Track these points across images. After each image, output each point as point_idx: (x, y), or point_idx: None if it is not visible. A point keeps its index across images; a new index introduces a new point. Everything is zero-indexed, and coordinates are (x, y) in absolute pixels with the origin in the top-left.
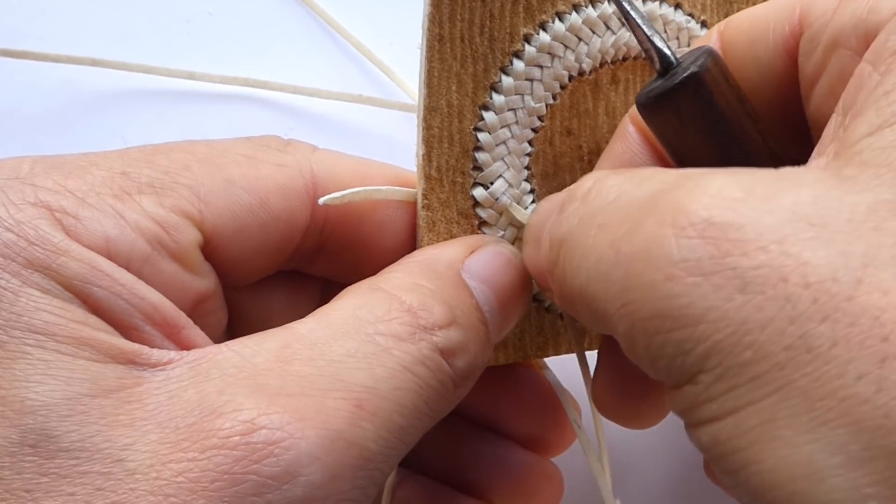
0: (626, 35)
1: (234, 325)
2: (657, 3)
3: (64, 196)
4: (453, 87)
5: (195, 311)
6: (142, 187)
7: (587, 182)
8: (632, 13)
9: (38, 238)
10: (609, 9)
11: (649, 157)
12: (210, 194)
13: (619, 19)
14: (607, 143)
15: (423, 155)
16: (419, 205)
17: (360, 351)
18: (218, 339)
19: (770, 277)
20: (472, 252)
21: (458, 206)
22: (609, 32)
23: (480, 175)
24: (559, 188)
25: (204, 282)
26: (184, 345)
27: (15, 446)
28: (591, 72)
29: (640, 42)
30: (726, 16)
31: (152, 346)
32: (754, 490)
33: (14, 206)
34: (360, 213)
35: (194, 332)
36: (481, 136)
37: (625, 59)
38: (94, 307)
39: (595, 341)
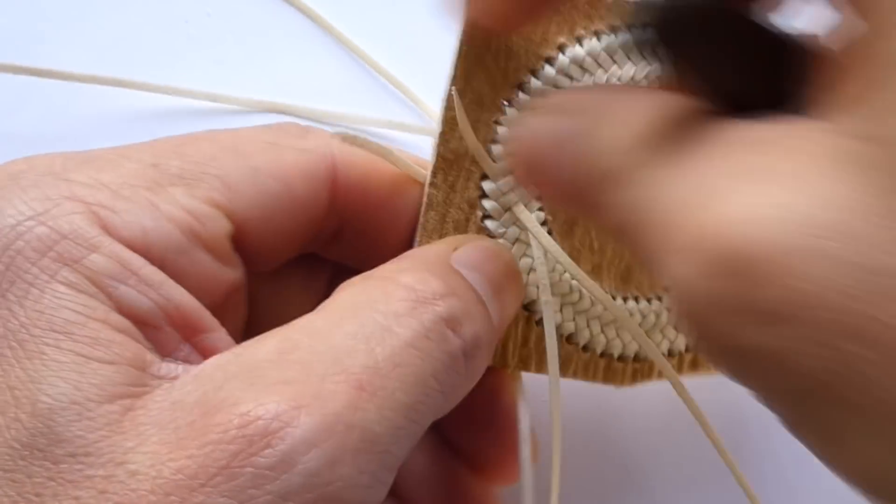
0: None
1: (253, 312)
2: None
3: (99, 190)
4: (482, 76)
5: (225, 303)
6: (172, 179)
7: None
8: None
9: (71, 232)
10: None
11: None
12: (238, 183)
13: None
14: None
15: (441, 134)
16: (427, 183)
17: (360, 333)
18: (240, 329)
19: None
20: (457, 247)
21: (465, 192)
22: (645, 62)
23: (493, 167)
24: None
25: (234, 272)
26: (202, 348)
27: (27, 449)
28: None
29: None
30: None
31: (170, 349)
32: None
33: (50, 200)
34: (378, 200)
35: (216, 335)
36: (500, 129)
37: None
38: (119, 304)
39: (580, 371)
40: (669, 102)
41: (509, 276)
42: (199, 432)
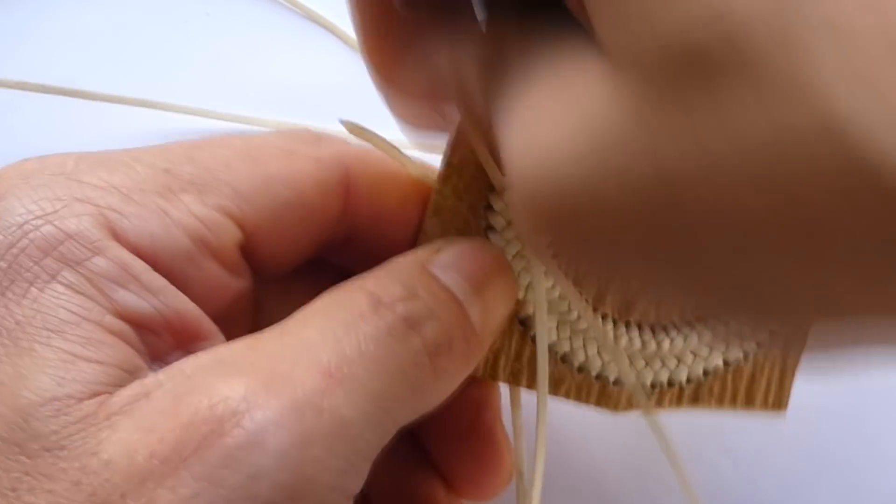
0: None
1: (259, 318)
2: None
3: (110, 192)
4: None
5: (231, 311)
6: (184, 185)
7: None
8: None
9: (77, 233)
10: None
11: None
12: (250, 191)
13: None
14: None
15: (451, 142)
16: (434, 189)
17: (328, 328)
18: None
19: None
20: (440, 250)
21: (470, 201)
22: None
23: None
24: None
25: (241, 281)
26: None
27: (6, 444)
28: None
29: None
30: None
31: (162, 354)
32: None
33: (59, 200)
34: (390, 209)
35: (214, 343)
36: None
37: None
38: (117, 308)
39: (572, 392)
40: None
41: (494, 273)
42: (169, 416)
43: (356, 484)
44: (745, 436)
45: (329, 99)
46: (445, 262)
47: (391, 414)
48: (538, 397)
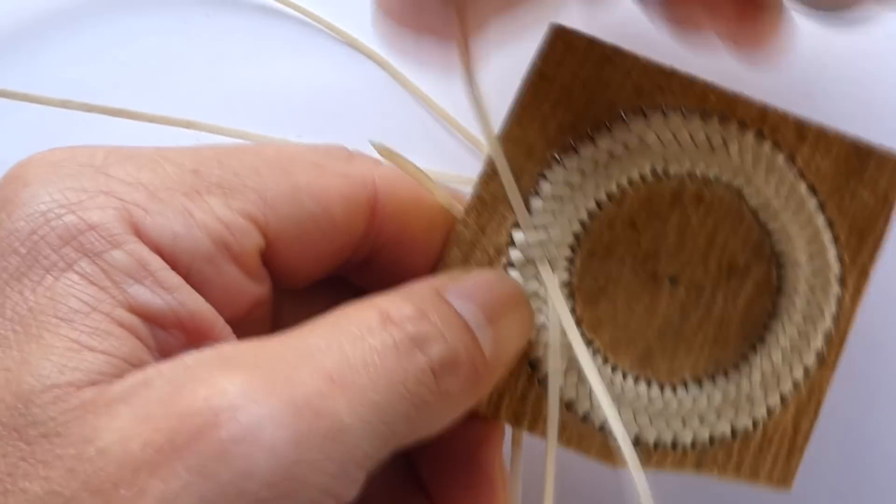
0: (725, 161)
1: (275, 329)
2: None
3: (136, 188)
4: (538, 126)
5: (248, 317)
6: (211, 187)
7: None
8: None
9: (98, 225)
10: (723, 132)
11: None
12: (276, 199)
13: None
14: (670, 254)
15: (483, 175)
16: (458, 220)
17: (334, 336)
18: None
19: None
20: (457, 279)
21: (495, 237)
22: (709, 150)
23: (526, 218)
24: (603, 272)
25: (260, 287)
26: None
27: (6, 429)
28: (675, 176)
29: None
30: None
31: (172, 352)
32: None
33: (85, 192)
34: (415, 233)
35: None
36: (544, 184)
37: (716, 180)
38: (130, 302)
39: (573, 441)
40: None
41: (509, 305)
42: (166, 407)
43: (349, 492)
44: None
45: (329, 102)
46: (461, 290)
47: (391, 427)
48: (547, 440)
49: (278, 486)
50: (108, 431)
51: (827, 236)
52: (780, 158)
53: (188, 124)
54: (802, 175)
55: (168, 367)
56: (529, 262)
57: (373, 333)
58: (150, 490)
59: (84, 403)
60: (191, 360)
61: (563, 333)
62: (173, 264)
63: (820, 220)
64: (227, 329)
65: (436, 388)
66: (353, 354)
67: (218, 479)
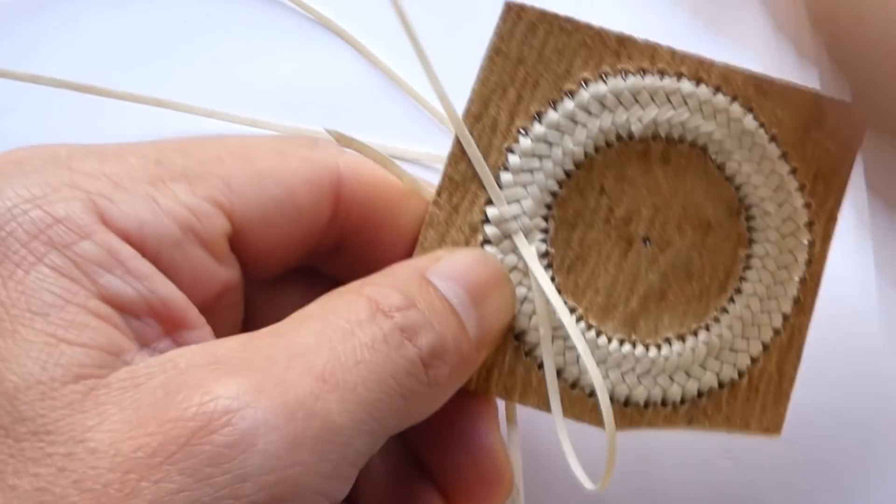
0: (685, 115)
1: (248, 321)
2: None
3: (100, 180)
4: (499, 101)
5: (218, 303)
6: (175, 175)
7: None
8: None
9: (65, 218)
10: (682, 86)
11: None
12: (240, 185)
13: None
14: (642, 216)
15: (452, 155)
16: (431, 201)
17: (323, 333)
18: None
19: None
20: (440, 259)
21: (468, 215)
22: (669, 106)
23: (498, 193)
24: (578, 240)
25: (229, 272)
26: (183, 343)
27: None
28: (641, 139)
29: None
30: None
31: (150, 341)
32: None
33: (49, 186)
34: (381, 216)
35: (199, 333)
36: (511, 157)
37: (681, 140)
38: (102, 292)
39: (566, 409)
40: None
41: (492, 285)
42: (159, 411)
43: (342, 490)
44: (746, 436)
45: (330, 100)
46: (445, 271)
47: (382, 423)
48: (552, 409)
49: (273, 489)
50: (100, 432)
51: (792, 184)
52: (740, 111)
53: (178, 107)
54: (763, 126)
55: (160, 369)
56: (506, 236)
57: (362, 327)
58: (141, 492)
59: (72, 402)
60: (182, 362)
61: (547, 303)
62: (142, 251)
63: (784, 169)
64: (200, 317)
65: (425, 378)
66: (344, 351)
67: (213, 483)
